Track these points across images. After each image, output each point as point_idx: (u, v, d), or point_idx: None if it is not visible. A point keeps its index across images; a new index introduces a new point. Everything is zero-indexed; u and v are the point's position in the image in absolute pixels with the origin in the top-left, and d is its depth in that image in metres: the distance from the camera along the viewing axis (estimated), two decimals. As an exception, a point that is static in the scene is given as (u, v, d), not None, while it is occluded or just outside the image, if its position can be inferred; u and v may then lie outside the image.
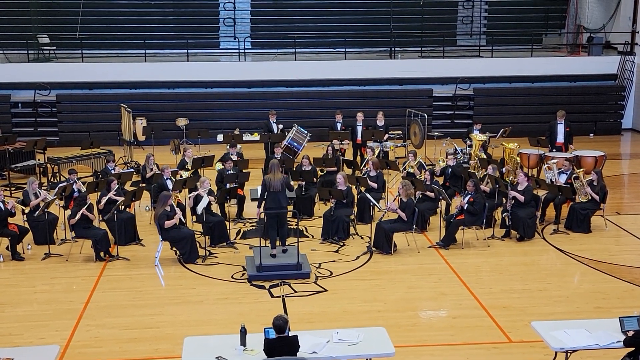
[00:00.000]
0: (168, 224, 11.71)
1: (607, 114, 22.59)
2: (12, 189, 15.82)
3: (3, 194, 12.42)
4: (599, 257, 12.23)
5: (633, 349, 7.62)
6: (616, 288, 10.98)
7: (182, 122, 20.14)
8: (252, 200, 12.89)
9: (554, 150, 16.69)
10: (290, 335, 7.28)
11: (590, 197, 13.38)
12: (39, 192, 12.84)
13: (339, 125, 17.60)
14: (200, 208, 12.44)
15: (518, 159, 16.23)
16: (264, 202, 11.73)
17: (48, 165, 16.65)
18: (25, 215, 12.71)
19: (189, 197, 12.78)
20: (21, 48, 21.62)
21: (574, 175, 13.82)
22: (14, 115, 20.86)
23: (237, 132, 18.75)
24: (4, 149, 16.61)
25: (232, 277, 11.42)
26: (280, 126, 17.73)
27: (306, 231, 13.52)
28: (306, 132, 17.40)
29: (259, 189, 12.20)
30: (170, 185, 13.37)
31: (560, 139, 16.89)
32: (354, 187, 13.80)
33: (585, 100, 22.31)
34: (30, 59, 21.59)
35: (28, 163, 16.92)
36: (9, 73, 20.96)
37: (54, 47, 22.55)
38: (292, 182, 13.14)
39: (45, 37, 22.59)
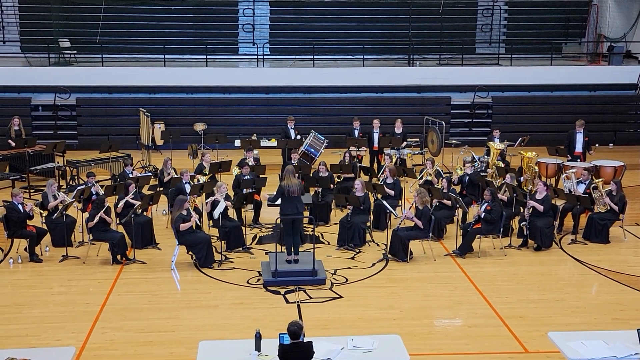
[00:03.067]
0: (183, 226, 11.74)
1: (627, 124, 22.42)
2: (31, 191, 15.95)
3: (22, 196, 12.53)
4: (618, 268, 12.12)
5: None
6: (635, 299, 10.87)
7: (200, 127, 20.24)
8: (269, 205, 12.90)
9: (570, 159, 16.60)
10: (305, 341, 7.26)
11: (609, 208, 13.27)
12: (58, 195, 12.94)
13: (356, 132, 17.60)
14: (217, 213, 12.47)
15: (536, 168, 16.14)
16: (280, 208, 11.71)
17: (67, 168, 16.78)
18: (43, 217, 12.81)
19: (207, 203, 12.82)
20: (42, 52, 21.86)
21: (593, 185, 13.72)
22: (34, 118, 21.07)
23: (254, 137, 18.80)
24: (24, 151, 16.77)
25: (247, 282, 11.43)
26: (297, 132, 17.75)
27: (322, 237, 13.52)
28: (323, 138, 17.40)
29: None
30: (188, 189, 13.43)
31: (578, 148, 16.81)
32: (370, 194, 13.78)
33: (605, 109, 22.17)
34: (51, 62, 21.80)
35: (47, 166, 17.07)
36: (30, 76, 21.18)
37: (75, 51, 22.76)
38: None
39: (66, 41, 22.79)
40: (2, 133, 18.07)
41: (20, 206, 12.17)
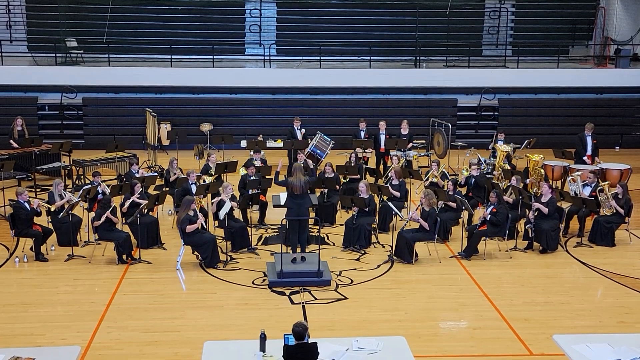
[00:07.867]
0: (190, 228, 11.76)
1: (634, 127, 22.37)
2: (37, 190, 15.99)
3: (27, 194, 12.56)
4: (623, 271, 12.09)
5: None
6: (640, 303, 10.87)
7: (206, 127, 20.26)
8: (275, 206, 12.92)
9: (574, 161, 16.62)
10: (309, 342, 7.26)
11: (614, 211, 13.25)
12: (64, 194, 12.97)
13: (362, 133, 17.60)
14: (222, 213, 12.48)
15: (542, 170, 16.12)
16: (286, 208, 11.72)
17: (73, 167, 16.82)
18: (49, 217, 12.84)
19: (212, 203, 12.84)
20: (49, 51, 21.89)
21: (599, 188, 13.70)
22: (40, 117, 21.13)
23: (260, 138, 18.82)
24: (30, 150, 16.82)
25: (252, 282, 11.44)
26: (303, 130, 17.73)
27: (327, 239, 13.52)
28: (329, 139, 17.40)
29: (282, 195, 12.23)
30: (194, 189, 13.45)
31: (589, 151, 16.83)
32: (376, 195, 13.77)
33: (611, 112, 22.13)
34: (58, 62, 21.84)
35: (53, 165, 17.12)
36: (36, 76, 21.21)
37: (82, 51, 22.80)
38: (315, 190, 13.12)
39: (73, 40, 22.84)
40: (7, 132, 18.12)
41: (26, 204, 12.20)
